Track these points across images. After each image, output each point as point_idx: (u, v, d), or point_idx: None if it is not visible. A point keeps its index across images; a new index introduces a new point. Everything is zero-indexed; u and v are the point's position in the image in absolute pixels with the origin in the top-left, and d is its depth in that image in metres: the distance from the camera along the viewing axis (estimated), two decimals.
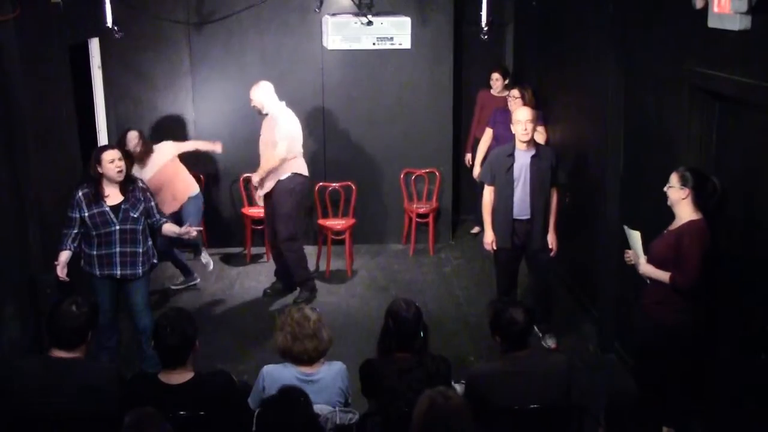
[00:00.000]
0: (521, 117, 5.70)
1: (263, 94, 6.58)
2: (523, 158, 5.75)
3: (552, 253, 5.93)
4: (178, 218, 6.60)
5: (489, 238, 5.95)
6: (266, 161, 6.59)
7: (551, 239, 5.91)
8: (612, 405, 3.17)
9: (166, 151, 6.85)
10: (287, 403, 3.22)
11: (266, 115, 6.61)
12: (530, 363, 3.83)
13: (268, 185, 6.64)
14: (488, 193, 5.93)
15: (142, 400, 3.42)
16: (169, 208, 6.69)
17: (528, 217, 5.82)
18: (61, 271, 5.04)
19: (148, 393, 3.57)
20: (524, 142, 5.71)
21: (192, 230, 5.54)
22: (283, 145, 6.51)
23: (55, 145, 6.03)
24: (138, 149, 6.59)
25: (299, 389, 3.36)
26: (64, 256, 5.07)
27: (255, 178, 6.71)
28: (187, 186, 6.97)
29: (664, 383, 4.48)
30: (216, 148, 7.21)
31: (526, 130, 5.65)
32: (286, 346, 3.79)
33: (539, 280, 6.08)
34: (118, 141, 6.68)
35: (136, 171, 6.34)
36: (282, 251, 6.83)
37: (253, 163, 7.09)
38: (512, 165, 5.75)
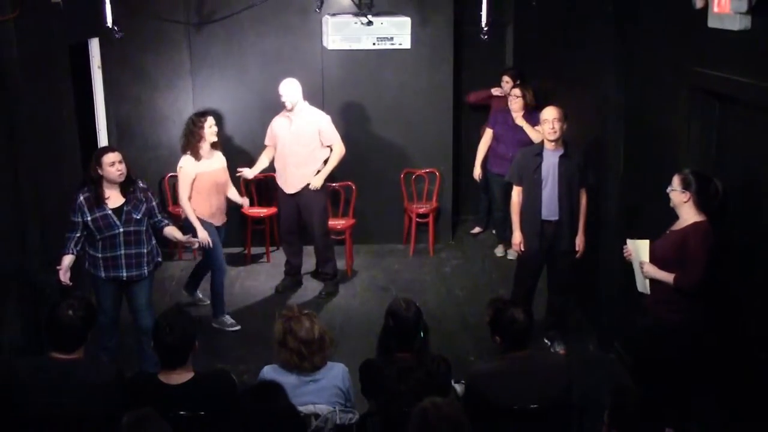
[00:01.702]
0: (549, 116, 5.60)
1: (297, 91, 6.63)
2: (551, 158, 5.65)
3: (578, 255, 5.84)
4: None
5: (517, 239, 5.85)
6: (313, 159, 6.76)
7: (579, 241, 5.81)
8: (616, 405, 3.17)
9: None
10: (265, 392, 3.24)
11: (291, 110, 6.65)
12: (530, 363, 3.83)
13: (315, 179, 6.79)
14: (516, 194, 5.84)
15: (142, 399, 3.43)
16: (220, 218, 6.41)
17: (556, 218, 5.71)
18: (64, 276, 5.00)
19: (148, 393, 3.57)
20: (552, 141, 5.62)
21: (194, 241, 5.51)
22: (338, 138, 6.83)
23: (55, 145, 6.04)
24: (215, 139, 6.23)
25: (276, 383, 3.40)
26: (67, 260, 5.03)
27: (320, 181, 6.74)
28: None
29: (665, 383, 4.47)
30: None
31: (553, 128, 5.56)
32: (293, 364, 3.76)
33: (562, 284, 5.97)
34: (194, 123, 6.15)
35: (203, 159, 6.14)
36: (319, 245, 7.05)
37: (253, 163, 7.09)
38: (540, 165, 5.65)
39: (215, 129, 6.23)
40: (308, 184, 6.75)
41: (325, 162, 6.83)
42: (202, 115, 6.25)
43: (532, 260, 5.88)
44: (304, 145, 6.72)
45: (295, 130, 6.69)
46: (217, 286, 6.43)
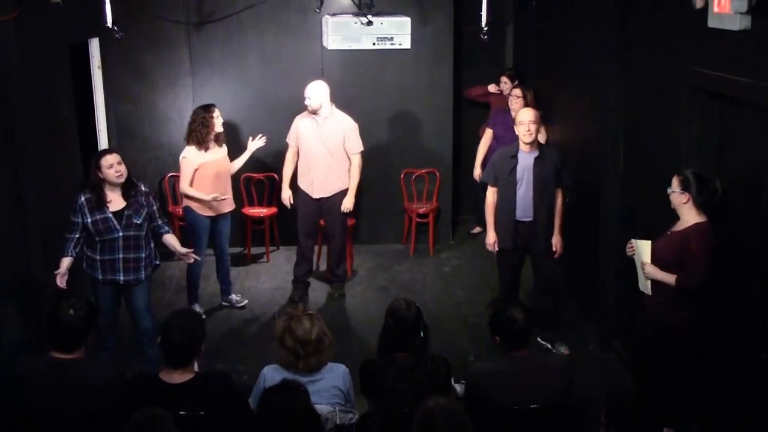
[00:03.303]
0: (524, 118, 5.66)
1: (321, 94, 6.58)
2: (526, 159, 5.70)
3: (556, 255, 5.88)
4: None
5: (491, 239, 5.91)
6: (341, 166, 6.73)
7: (556, 241, 5.85)
8: (613, 405, 3.17)
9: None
10: (287, 391, 3.23)
11: (315, 113, 6.59)
12: (530, 363, 3.84)
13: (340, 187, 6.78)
14: (491, 194, 5.90)
15: (142, 399, 3.43)
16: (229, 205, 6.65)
17: (531, 219, 5.77)
18: (61, 280, 4.96)
19: (148, 392, 3.57)
20: (527, 143, 5.67)
21: (191, 257, 5.50)
22: (360, 148, 6.79)
23: (55, 145, 6.03)
24: (221, 129, 6.51)
25: (299, 382, 3.38)
26: (66, 263, 5.01)
27: (350, 202, 6.77)
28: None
29: (664, 383, 4.48)
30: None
31: (529, 130, 5.62)
32: (289, 363, 3.77)
33: (547, 283, 6.00)
34: (199, 117, 6.39)
35: (211, 151, 6.41)
36: (338, 247, 7.00)
37: (253, 163, 7.10)
38: (515, 166, 5.71)
39: (221, 120, 6.51)
40: (337, 193, 6.72)
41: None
42: (208, 107, 6.49)
43: (508, 259, 5.94)
44: (330, 151, 6.65)
45: (321, 133, 6.62)
46: (193, 276, 6.61)
